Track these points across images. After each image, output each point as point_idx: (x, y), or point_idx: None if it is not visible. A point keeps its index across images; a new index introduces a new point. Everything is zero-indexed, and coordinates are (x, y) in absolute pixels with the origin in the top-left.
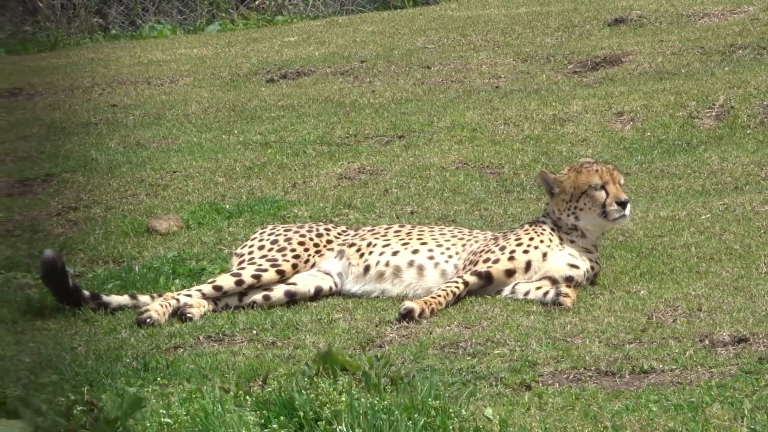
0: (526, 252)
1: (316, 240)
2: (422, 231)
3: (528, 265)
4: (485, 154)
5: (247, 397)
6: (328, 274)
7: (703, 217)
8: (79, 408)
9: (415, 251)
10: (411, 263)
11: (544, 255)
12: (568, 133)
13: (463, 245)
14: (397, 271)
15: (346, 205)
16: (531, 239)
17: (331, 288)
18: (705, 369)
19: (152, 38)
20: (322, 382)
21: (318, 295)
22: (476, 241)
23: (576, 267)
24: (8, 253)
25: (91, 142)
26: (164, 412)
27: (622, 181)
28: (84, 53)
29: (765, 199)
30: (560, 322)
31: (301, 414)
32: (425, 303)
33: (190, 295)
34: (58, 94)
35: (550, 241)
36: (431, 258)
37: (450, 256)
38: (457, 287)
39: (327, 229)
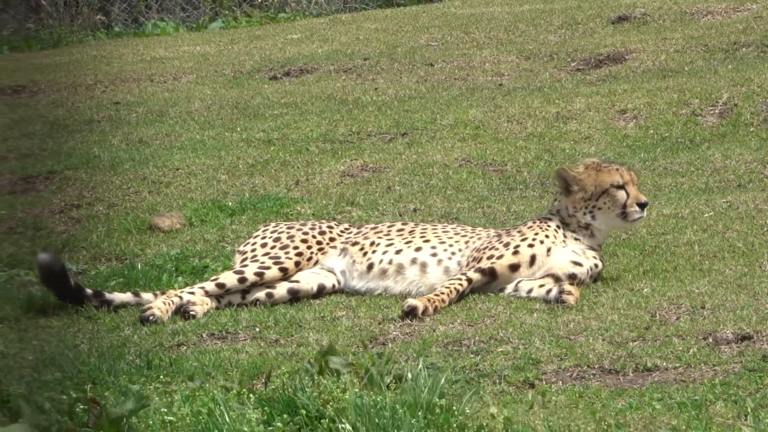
0: (531, 246)
1: (319, 237)
2: (425, 229)
3: (532, 260)
4: (488, 152)
5: (250, 395)
6: (331, 271)
7: (707, 214)
8: (81, 406)
9: (418, 249)
10: (414, 261)
11: (549, 250)
12: (571, 131)
13: (466, 243)
14: (400, 269)
15: (349, 203)
16: (536, 234)
17: (334, 285)
18: (708, 367)
19: (155, 36)
20: (325, 380)
21: (321, 292)
22: (479, 239)
23: (579, 264)
24: (11, 251)
25: (93, 140)
26: (167, 410)
27: (637, 182)
28: (87, 51)
29: None
30: (563, 319)
31: (304, 412)
32: (428, 301)
33: (193, 293)
34: (61, 92)
35: (555, 237)
36: (434, 255)
37: (453, 253)
38: (461, 284)
39: (330, 227)
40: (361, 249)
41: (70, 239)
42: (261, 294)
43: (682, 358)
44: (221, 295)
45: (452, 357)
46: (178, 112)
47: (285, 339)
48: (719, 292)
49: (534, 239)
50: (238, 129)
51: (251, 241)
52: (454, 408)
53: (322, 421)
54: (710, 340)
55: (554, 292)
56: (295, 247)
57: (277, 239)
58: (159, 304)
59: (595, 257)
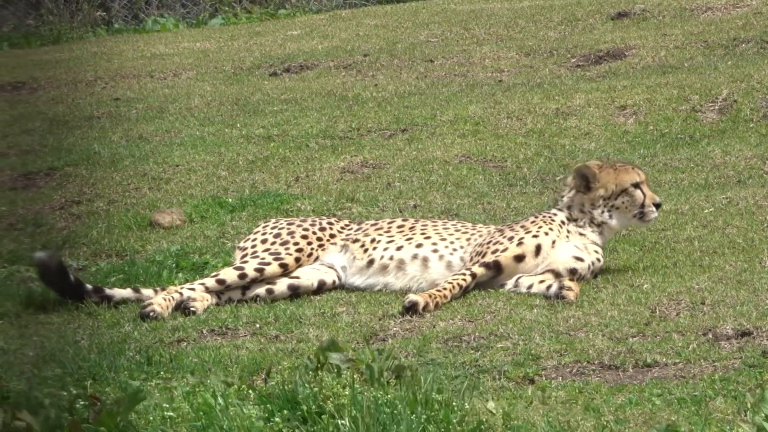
0: (535, 237)
1: (319, 234)
2: (425, 225)
3: (537, 249)
4: (488, 148)
5: (250, 391)
6: (331, 267)
7: (706, 210)
8: (82, 402)
9: (419, 245)
10: (415, 256)
11: (553, 243)
12: (571, 127)
13: (467, 239)
14: (401, 264)
15: (349, 199)
16: (539, 228)
17: (334, 281)
18: (708, 363)
19: (155, 32)
20: (325, 376)
21: (321, 288)
22: (480, 236)
23: (581, 260)
24: (11, 247)
25: (94, 136)
26: (167, 405)
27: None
28: (87, 47)
29: None
30: (563, 315)
31: (304, 408)
32: (430, 296)
33: (193, 289)
34: (61, 88)
35: (559, 231)
36: (435, 251)
37: (455, 249)
38: (464, 279)
39: (330, 223)
40: (362, 245)
41: (71, 235)
42: (261, 290)
43: (681, 353)
44: (221, 291)
45: (452, 353)
46: (178, 108)
47: (285, 335)
48: (719, 288)
49: (538, 231)
50: (238, 125)
51: (251, 237)
52: (454, 404)
53: (322, 417)
54: (710, 336)
55: (554, 288)
56: (295, 243)
57: (277, 235)
58: (159, 301)
59: (597, 251)
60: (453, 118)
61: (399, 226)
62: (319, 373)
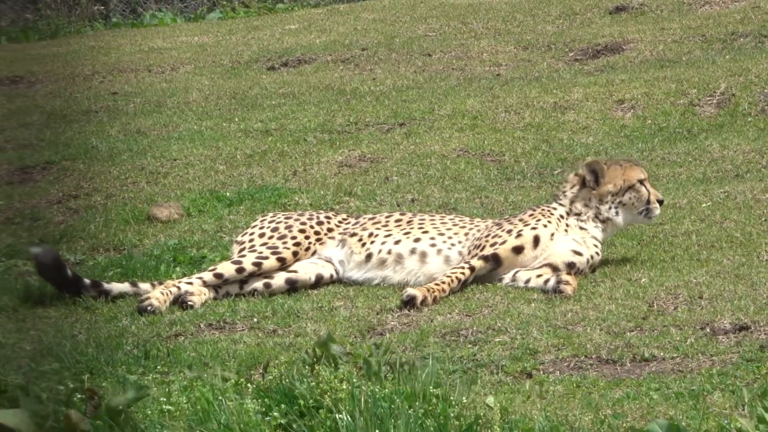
0: (534, 229)
1: (317, 228)
2: (423, 219)
3: (536, 241)
4: (486, 142)
5: (248, 386)
6: (329, 261)
7: (704, 204)
8: (79, 396)
9: (417, 239)
10: (413, 251)
11: (552, 235)
12: (569, 121)
13: (465, 234)
14: (399, 259)
15: (346, 193)
16: (538, 220)
17: (332, 275)
18: (706, 357)
19: (153, 26)
20: (322, 370)
21: (319, 282)
22: (478, 230)
23: (579, 254)
24: (9, 241)
25: (91, 130)
26: (165, 399)
27: None
28: (85, 41)
29: (766, 186)
30: (561, 309)
31: (302, 402)
32: (428, 290)
33: (191, 283)
34: (59, 82)
35: (558, 224)
36: (433, 245)
37: (453, 244)
38: (463, 273)
39: (328, 217)
40: (360, 239)
41: (68, 230)
42: (259, 284)
43: (679, 348)
44: (219, 285)
45: (450, 347)
46: (176, 102)
47: (283, 329)
48: (717, 282)
49: (537, 224)
50: (236, 119)
51: (249, 231)
52: (452, 398)
53: (319, 411)
54: (708, 330)
55: (552, 282)
56: (293, 237)
57: (274, 229)
58: (157, 295)
59: (596, 245)
60: (451, 112)
61: (397, 220)
62: (317, 368)
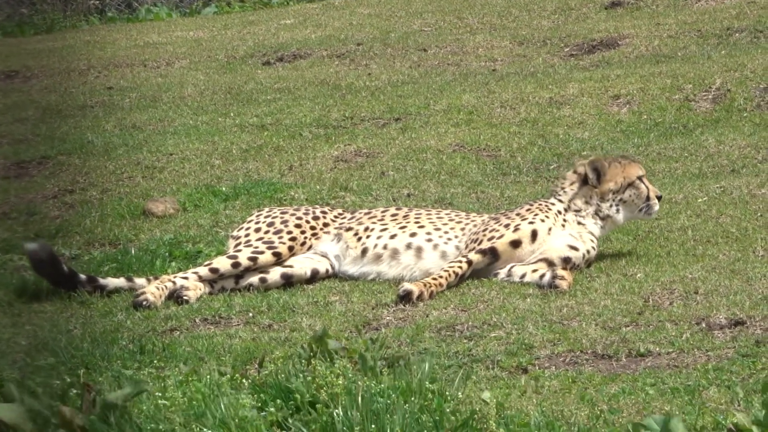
0: (531, 223)
1: (313, 222)
2: (419, 214)
3: (534, 235)
4: (482, 137)
5: (244, 380)
6: (324, 256)
7: (700, 200)
8: (74, 391)
9: (413, 234)
10: (409, 245)
11: (549, 230)
12: (564, 116)
13: (462, 228)
14: (394, 253)
15: (342, 188)
16: (535, 215)
17: (327, 270)
18: (702, 352)
19: (148, 21)
20: (318, 366)
21: (314, 277)
22: (475, 225)
23: (575, 249)
24: (4, 236)
25: (87, 125)
26: (160, 394)
27: None
28: (80, 36)
29: (762, 182)
30: (557, 305)
31: (298, 397)
32: (424, 285)
33: (186, 278)
34: (55, 77)
35: (555, 219)
36: (429, 240)
37: (449, 239)
38: (460, 267)
39: (323, 212)
40: (355, 234)
41: (64, 224)
42: (254, 279)
43: (675, 343)
44: (214, 280)
45: (445, 342)
46: (172, 97)
47: (278, 324)
48: (712, 277)
49: (534, 218)
50: (232, 114)
51: (245, 226)
52: (447, 393)
53: (315, 406)
54: (703, 325)
55: (547, 277)
56: (289, 232)
57: (270, 224)
58: (152, 290)
59: (592, 240)
60: (446, 107)
61: (393, 215)
62: (313, 363)
